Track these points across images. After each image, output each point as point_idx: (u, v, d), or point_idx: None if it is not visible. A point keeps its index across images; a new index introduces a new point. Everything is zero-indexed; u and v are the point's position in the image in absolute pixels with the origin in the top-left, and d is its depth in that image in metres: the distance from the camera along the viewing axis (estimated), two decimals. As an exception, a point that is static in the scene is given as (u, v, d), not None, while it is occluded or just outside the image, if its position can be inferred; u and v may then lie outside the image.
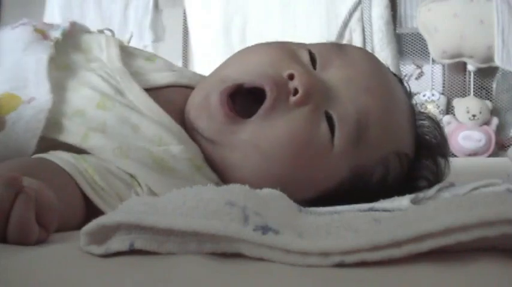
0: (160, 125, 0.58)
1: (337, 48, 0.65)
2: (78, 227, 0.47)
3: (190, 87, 0.67)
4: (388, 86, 0.64)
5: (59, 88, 0.58)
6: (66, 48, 0.64)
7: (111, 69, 0.62)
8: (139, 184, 0.54)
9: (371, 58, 0.66)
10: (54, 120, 0.56)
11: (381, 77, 0.64)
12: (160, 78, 0.67)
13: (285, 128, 0.57)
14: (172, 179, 0.56)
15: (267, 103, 0.57)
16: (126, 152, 0.55)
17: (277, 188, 0.58)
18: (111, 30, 0.70)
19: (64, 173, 0.50)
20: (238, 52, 0.67)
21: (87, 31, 0.70)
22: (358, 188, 0.61)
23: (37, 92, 0.57)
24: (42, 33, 0.64)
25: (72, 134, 0.56)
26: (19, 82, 0.58)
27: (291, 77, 0.58)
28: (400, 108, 0.65)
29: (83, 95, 0.59)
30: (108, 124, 0.57)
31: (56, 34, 0.64)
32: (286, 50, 0.63)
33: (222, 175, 0.61)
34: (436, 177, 0.68)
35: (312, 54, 0.62)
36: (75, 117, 0.57)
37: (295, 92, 0.58)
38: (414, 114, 0.69)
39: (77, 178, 0.50)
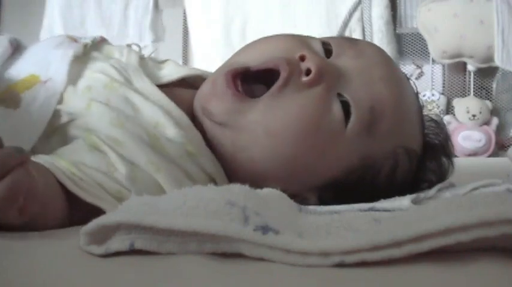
0: (160, 109, 0.60)
1: (349, 41, 0.66)
2: (63, 222, 0.48)
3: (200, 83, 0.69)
4: (401, 79, 0.65)
5: (74, 75, 0.63)
6: (92, 51, 0.68)
7: (126, 65, 0.66)
8: (116, 169, 0.55)
9: (383, 52, 0.67)
10: (63, 96, 0.60)
11: (393, 69, 0.65)
12: (173, 73, 0.69)
13: (296, 108, 0.57)
14: (162, 158, 0.56)
15: (280, 81, 0.57)
16: (122, 122, 0.57)
17: (286, 171, 0.58)
18: (138, 45, 0.74)
19: (46, 170, 0.50)
20: (249, 43, 0.67)
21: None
22: (366, 181, 0.60)
23: (55, 74, 0.62)
24: (73, 39, 0.69)
25: (77, 103, 0.60)
26: (43, 66, 0.63)
27: (303, 58, 0.59)
28: (411, 103, 0.65)
29: (93, 77, 0.63)
30: (111, 101, 0.60)
31: (86, 40, 0.69)
32: (298, 38, 0.63)
33: (231, 159, 0.60)
34: (440, 179, 0.68)
35: (325, 45, 0.63)
36: (82, 92, 0.61)
37: (307, 72, 0.58)
38: (422, 114, 0.69)
39: (56, 173, 0.50)
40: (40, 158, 0.52)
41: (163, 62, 0.73)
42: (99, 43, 0.70)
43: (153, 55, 0.75)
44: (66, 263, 0.35)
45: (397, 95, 0.62)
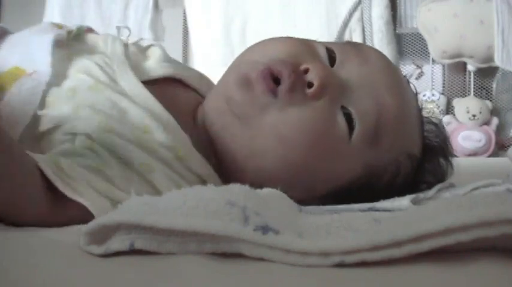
0: (147, 112, 0.59)
1: (353, 46, 0.66)
2: (39, 211, 0.48)
3: (184, 83, 0.70)
4: (403, 86, 0.65)
5: (58, 75, 0.62)
6: (76, 41, 0.68)
7: (110, 60, 0.64)
8: (107, 167, 0.54)
9: (384, 57, 0.67)
10: (48, 99, 0.59)
11: (396, 76, 0.65)
12: (158, 68, 0.68)
13: (303, 117, 0.58)
14: (154, 160, 0.57)
15: (284, 84, 0.57)
16: (111, 125, 0.57)
17: (293, 179, 0.58)
18: (128, 28, 0.73)
19: (30, 158, 0.50)
20: (256, 43, 0.67)
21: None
22: (367, 187, 0.61)
23: (40, 65, 0.61)
24: (59, 26, 0.69)
25: (63, 107, 0.58)
26: (27, 57, 0.63)
27: (306, 71, 0.59)
28: (413, 109, 0.65)
29: (77, 78, 0.62)
30: (97, 104, 0.59)
31: (72, 27, 0.68)
32: (305, 44, 0.63)
33: (236, 163, 0.61)
34: (438, 180, 0.68)
35: (330, 51, 0.63)
36: (66, 95, 0.60)
37: (310, 85, 0.58)
38: (422, 116, 0.69)
39: (41, 165, 0.50)
40: (30, 152, 0.52)
41: (148, 48, 0.72)
42: (85, 32, 0.70)
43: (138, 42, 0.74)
44: (66, 263, 0.35)
45: (401, 103, 0.62)
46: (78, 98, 0.59)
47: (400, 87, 0.64)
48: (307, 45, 0.63)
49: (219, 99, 0.62)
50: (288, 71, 0.58)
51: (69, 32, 0.67)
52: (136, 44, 0.72)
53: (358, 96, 0.60)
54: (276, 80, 0.59)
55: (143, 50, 0.71)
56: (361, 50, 0.64)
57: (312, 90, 0.58)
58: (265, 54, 0.62)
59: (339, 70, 0.61)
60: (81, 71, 0.62)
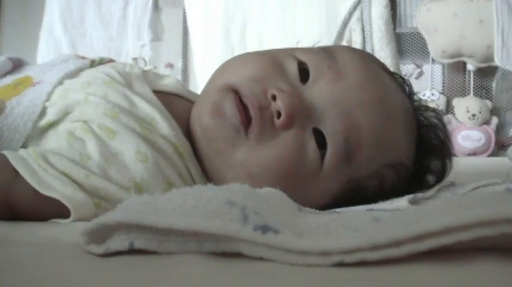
0: (157, 109, 0.61)
1: (329, 57, 0.63)
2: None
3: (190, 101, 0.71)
4: (383, 97, 0.62)
5: (73, 76, 0.65)
6: (96, 66, 0.70)
7: (128, 74, 0.67)
8: (90, 158, 0.55)
9: (365, 65, 0.64)
10: (62, 92, 0.62)
11: (375, 88, 0.62)
12: (169, 85, 0.70)
13: (274, 152, 0.57)
14: (152, 150, 0.57)
15: (253, 128, 0.57)
16: (117, 113, 0.59)
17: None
18: (144, 60, 0.77)
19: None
20: (230, 61, 0.67)
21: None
22: (355, 199, 0.60)
23: (48, 77, 0.64)
24: (82, 57, 0.72)
25: (74, 95, 0.61)
26: (42, 70, 0.66)
27: (274, 97, 0.58)
28: (395, 119, 0.62)
29: (94, 75, 0.65)
30: (109, 95, 0.61)
31: (95, 58, 0.72)
32: (275, 63, 0.62)
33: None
34: (438, 179, 0.68)
35: (303, 65, 0.61)
36: (82, 86, 0.63)
37: (279, 114, 0.58)
38: (415, 117, 0.67)
39: (14, 159, 0.52)
40: (20, 151, 0.55)
41: (164, 75, 0.74)
42: (107, 62, 0.73)
43: (154, 69, 0.78)
44: (66, 263, 0.35)
45: (377, 118, 0.60)
46: (92, 89, 0.62)
47: (378, 99, 0.61)
48: (276, 64, 0.62)
49: (196, 127, 0.62)
50: (255, 105, 0.58)
51: (93, 62, 0.70)
52: (153, 71, 0.75)
53: (329, 116, 0.59)
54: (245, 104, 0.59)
55: (159, 76, 0.73)
56: (337, 62, 0.62)
57: (280, 122, 0.57)
58: (234, 76, 0.61)
59: (310, 88, 0.60)
60: (99, 72, 0.65)
